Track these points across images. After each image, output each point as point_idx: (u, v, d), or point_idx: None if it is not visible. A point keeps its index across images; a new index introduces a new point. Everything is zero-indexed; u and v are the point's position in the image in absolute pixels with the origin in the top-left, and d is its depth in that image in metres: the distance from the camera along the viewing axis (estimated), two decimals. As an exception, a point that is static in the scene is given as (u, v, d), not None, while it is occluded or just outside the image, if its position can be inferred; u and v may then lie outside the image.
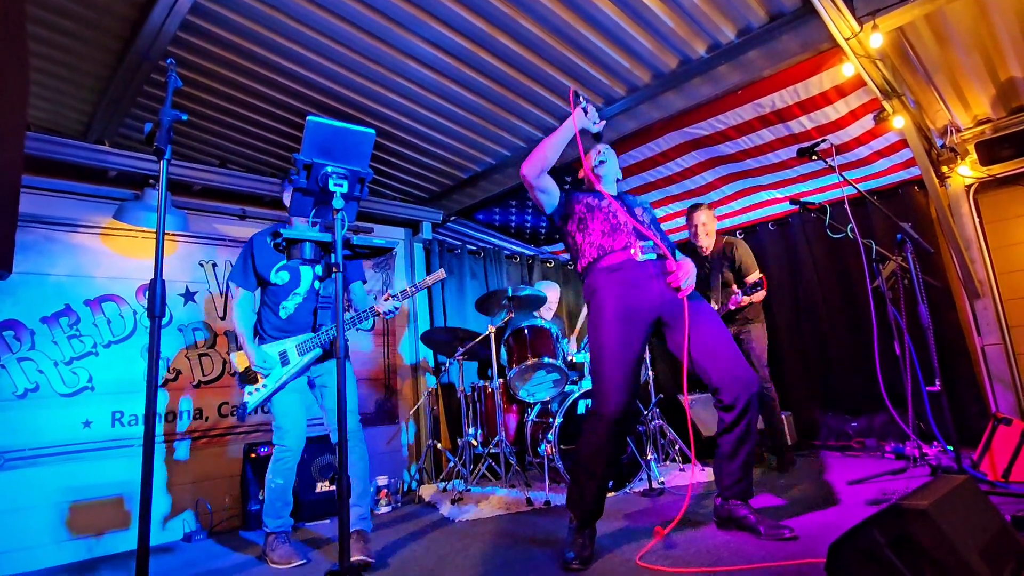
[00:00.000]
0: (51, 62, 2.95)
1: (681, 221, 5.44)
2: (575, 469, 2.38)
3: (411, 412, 4.83)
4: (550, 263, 6.33)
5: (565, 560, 2.20)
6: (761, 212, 5.24)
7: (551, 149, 2.41)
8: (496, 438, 3.84)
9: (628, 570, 2.10)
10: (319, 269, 2.87)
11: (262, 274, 2.85)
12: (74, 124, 3.50)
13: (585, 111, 2.43)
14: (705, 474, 3.75)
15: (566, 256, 6.48)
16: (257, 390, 2.75)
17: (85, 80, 3.12)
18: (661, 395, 4.35)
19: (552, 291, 4.88)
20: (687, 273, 2.38)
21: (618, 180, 2.73)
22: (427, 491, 4.16)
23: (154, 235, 1.59)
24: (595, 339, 2.35)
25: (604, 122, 2.53)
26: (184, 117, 1.70)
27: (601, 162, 2.66)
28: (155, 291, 1.59)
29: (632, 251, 2.40)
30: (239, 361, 2.80)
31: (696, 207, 3.98)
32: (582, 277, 2.55)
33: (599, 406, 2.29)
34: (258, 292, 2.95)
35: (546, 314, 4.70)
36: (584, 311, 4.52)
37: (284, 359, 2.77)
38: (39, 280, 3.40)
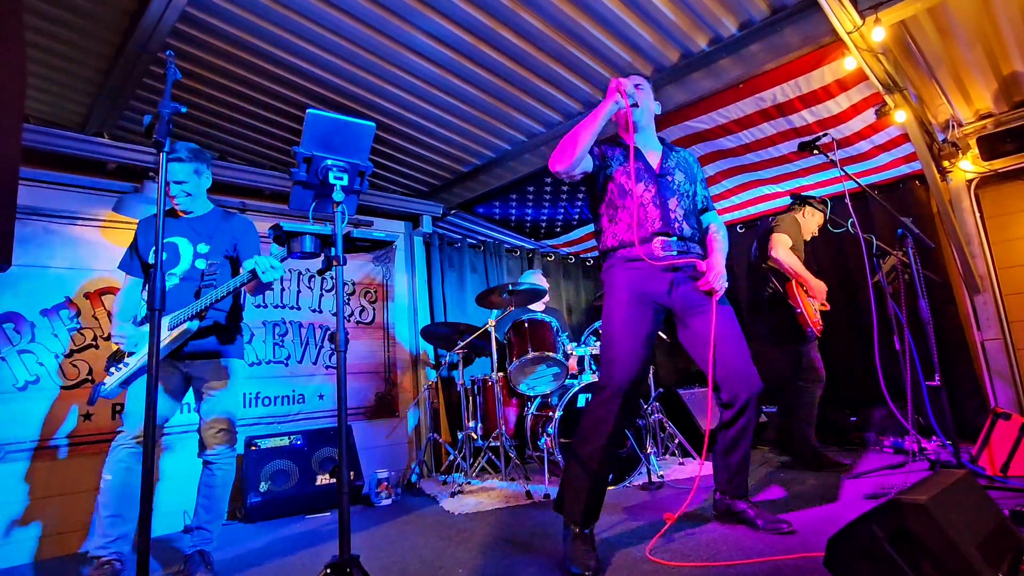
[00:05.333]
0: (49, 54, 2.94)
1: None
2: (572, 455, 2.22)
3: (411, 405, 4.84)
4: (550, 256, 6.33)
5: (575, 565, 2.00)
6: (762, 206, 5.23)
7: (584, 137, 2.21)
8: (496, 431, 3.84)
9: (637, 563, 2.11)
10: (203, 247, 2.56)
11: (143, 255, 2.57)
12: (73, 116, 3.49)
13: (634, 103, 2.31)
14: (706, 467, 3.75)
15: (566, 250, 6.48)
16: (118, 369, 2.39)
17: (84, 72, 3.11)
18: (661, 389, 4.36)
19: (538, 277, 4.93)
20: (718, 275, 2.30)
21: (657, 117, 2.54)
22: (427, 484, 4.17)
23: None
24: (607, 315, 2.31)
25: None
26: (183, 110, 1.70)
27: (634, 104, 2.34)
28: (155, 284, 1.59)
29: (653, 245, 2.32)
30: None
31: (822, 211, 3.90)
32: (601, 257, 2.48)
33: (606, 376, 2.20)
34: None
35: (538, 305, 4.70)
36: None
37: None
38: (39, 273, 3.39)
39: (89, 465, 3.29)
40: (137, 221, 3.62)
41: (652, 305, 2.31)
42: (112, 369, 2.40)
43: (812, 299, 3.58)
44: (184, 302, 2.39)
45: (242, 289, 2.40)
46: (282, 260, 2.16)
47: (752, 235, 4.66)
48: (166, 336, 2.33)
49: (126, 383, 2.37)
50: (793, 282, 3.56)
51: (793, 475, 3.40)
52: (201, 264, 2.53)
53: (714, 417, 3.07)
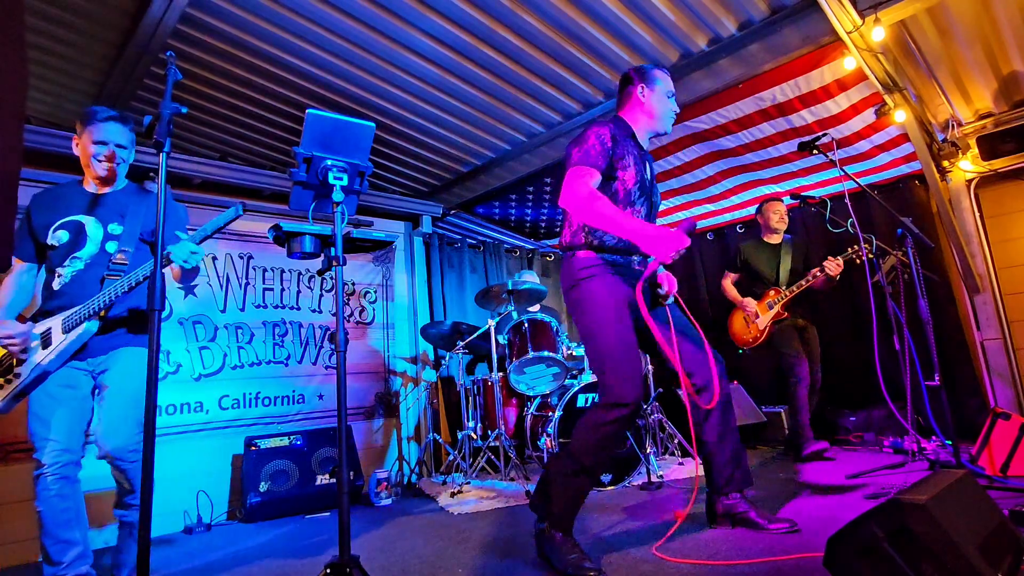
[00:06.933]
0: (51, 55, 2.94)
1: (679, 216, 5.44)
2: (574, 466, 2.14)
3: (411, 405, 4.84)
4: (550, 256, 6.33)
5: (581, 567, 1.98)
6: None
7: (605, 226, 2.10)
8: (496, 431, 3.84)
9: (636, 563, 2.11)
10: (115, 227, 2.23)
11: (39, 236, 2.20)
12: (74, 117, 3.47)
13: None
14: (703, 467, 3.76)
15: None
16: (8, 381, 2.07)
17: (85, 73, 3.11)
18: (660, 389, 4.36)
19: (532, 277, 4.93)
20: (674, 286, 2.39)
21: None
22: (427, 484, 4.18)
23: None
24: (598, 325, 2.17)
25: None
26: (184, 110, 1.70)
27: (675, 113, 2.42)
28: (154, 284, 1.59)
29: (632, 261, 2.32)
30: None
31: (772, 199, 4.22)
32: (570, 252, 2.30)
33: (620, 395, 2.08)
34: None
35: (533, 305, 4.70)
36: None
37: (46, 340, 2.08)
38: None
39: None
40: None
41: (630, 310, 2.27)
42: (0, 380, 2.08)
43: (752, 316, 4.06)
44: (88, 292, 2.11)
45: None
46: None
47: (751, 236, 4.69)
48: (61, 340, 2.06)
49: (18, 397, 2.08)
50: (734, 312, 4.26)
51: (792, 474, 3.40)
52: (112, 247, 2.22)
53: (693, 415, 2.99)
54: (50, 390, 2.10)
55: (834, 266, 3.74)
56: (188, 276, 2.23)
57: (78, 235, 2.21)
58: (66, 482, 2.06)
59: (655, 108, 2.36)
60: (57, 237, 2.20)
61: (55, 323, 2.10)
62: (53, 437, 2.06)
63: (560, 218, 5.67)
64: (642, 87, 2.37)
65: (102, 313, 2.09)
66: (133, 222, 2.27)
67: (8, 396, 2.07)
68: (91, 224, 2.24)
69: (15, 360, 2.10)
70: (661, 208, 5.27)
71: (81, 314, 2.07)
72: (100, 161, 2.23)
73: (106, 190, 2.33)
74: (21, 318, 2.21)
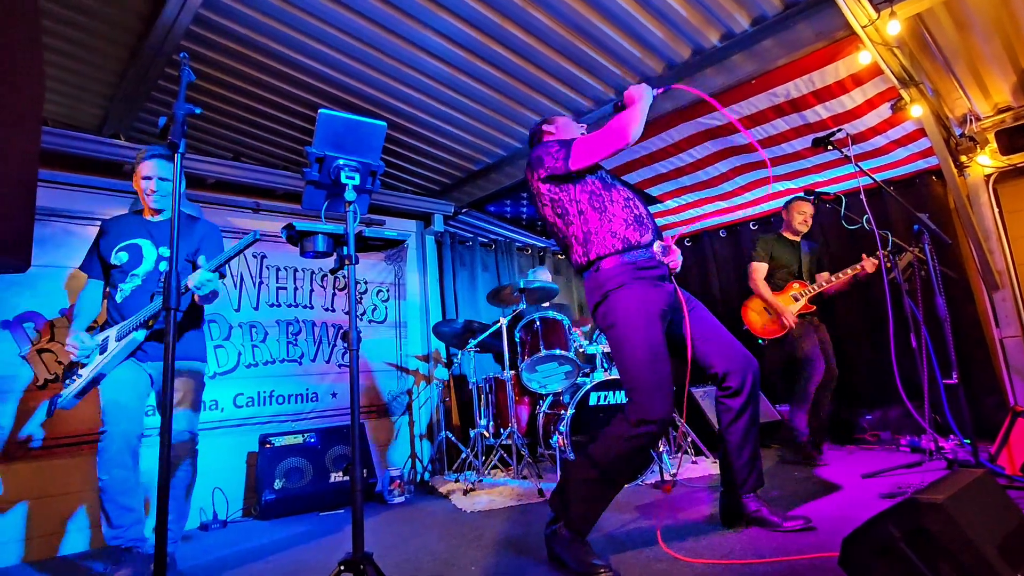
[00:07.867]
0: (66, 57, 2.98)
1: (692, 213, 5.41)
2: (592, 478, 2.12)
3: (423, 403, 4.86)
4: (561, 255, 6.32)
5: (593, 565, 1.99)
6: (775, 203, 5.18)
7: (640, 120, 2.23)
8: (508, 429, 3.85)
9: (650, 562, 2.10)
10: (165, 250, 2.53)
11: (104, 256, 2.56)
12: (90, 118, 3.53)
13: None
14: (717, 466, 3.74)
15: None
16: (73, 380, 2.41)
17: (100, 75, 3.15)
18: (673, 387, 4.34)
19: (544, 274, 4.95)
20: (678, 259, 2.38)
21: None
22: (439, 482, 4.19)
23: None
24: (631, 339, 2.13)
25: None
26: (198, 111, 1.71)
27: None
28: (170, 284, 1.61)
29: (656, 248, 2.27)
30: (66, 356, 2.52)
31: (801, 198, 4.13)
32: (592, 267, 2.25)
33: (648, 412, 2.06)
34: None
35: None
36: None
37: (104, 345, 2.45)
38: (58, 273, 3.44)
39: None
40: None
41: (662, 320, 2.23)
42: (67, 381, 2.41)
43: (774, 309, 3.95)
44: (141, 306, 2.46)
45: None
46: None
47: (764, 232, 4.65)
48: (115, 347, 2.40)
49: (81, 394, 2.40)
50: (748, 302, 4.10)
51: (807, 474, 3.37)
52: (163, 267, 2.56)
53: (717, 414, 2.96)
54: (123, 379, 2.43)
55: (870, 264, 3.75)
56: (206, 299, 2.52)
57: (136, 255, 2.56)
58: (132, 453, 2.36)
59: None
60: (119, 257, 2.55)
61: (112, 333, 2.46)
62: (123, 412, 2.37)
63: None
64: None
65: (149, 323, 2.43)
66: (182, 245, 2.57)
67: (73, 392, 2.39)
68: (147, 246, 2.58)
69: (79, 364, 2.44)
70: (673, 205, 5.27)
71: (132, 324, 2.42)
72: (148, 194, 2.57)
73: (159, 218, 2.66)
74: (94, 323, 2.61)
